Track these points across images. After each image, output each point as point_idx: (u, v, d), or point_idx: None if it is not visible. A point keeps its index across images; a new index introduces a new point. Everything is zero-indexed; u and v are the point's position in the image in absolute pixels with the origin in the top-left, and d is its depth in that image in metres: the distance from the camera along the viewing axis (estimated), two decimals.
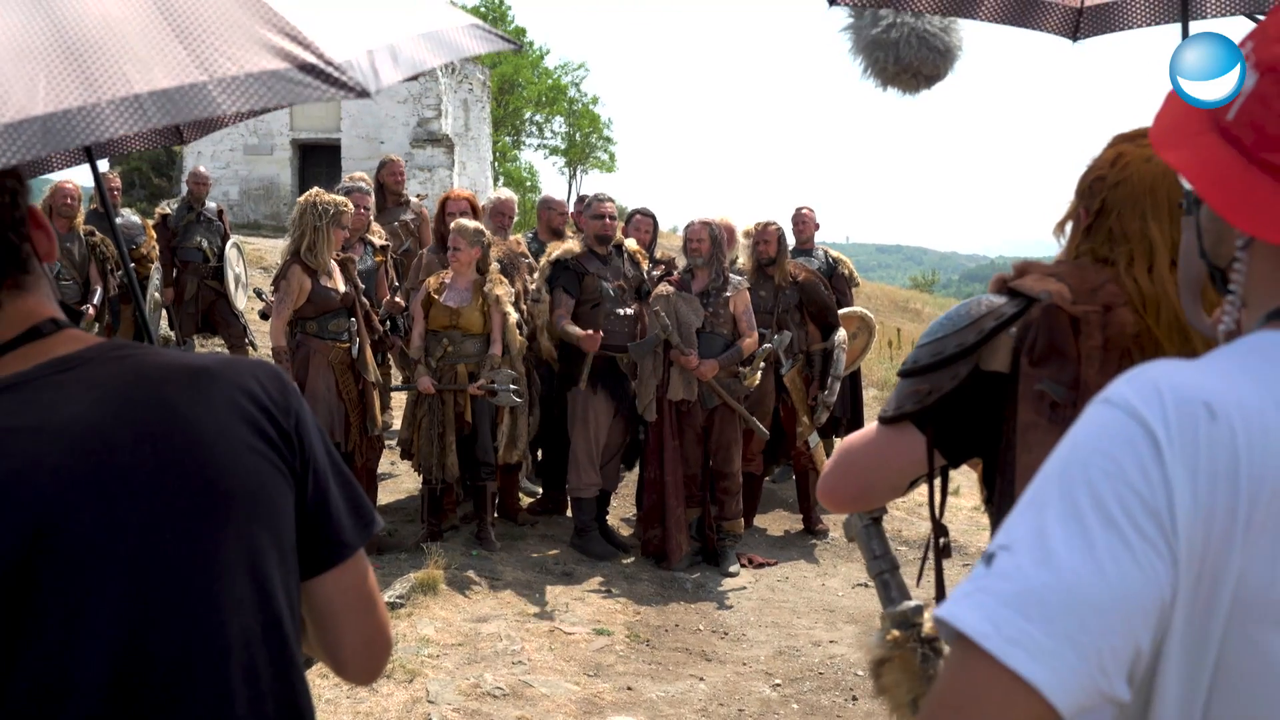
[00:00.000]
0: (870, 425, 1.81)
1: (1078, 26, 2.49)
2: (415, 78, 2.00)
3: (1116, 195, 1.67)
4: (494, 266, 5.99)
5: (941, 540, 1.83)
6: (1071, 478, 0.89)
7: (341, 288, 5.75)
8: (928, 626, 1.83)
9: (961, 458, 1.73)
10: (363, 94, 1.18)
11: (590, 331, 5.93)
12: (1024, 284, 1.66)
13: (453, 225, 5.95)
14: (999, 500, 1.67)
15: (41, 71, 1.08)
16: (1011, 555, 0.86)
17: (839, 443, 1.86)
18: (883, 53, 2.56)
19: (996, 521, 1.65)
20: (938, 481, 1.80)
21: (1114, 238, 1.67)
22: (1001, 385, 1.64)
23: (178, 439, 1.12)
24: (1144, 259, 1.63)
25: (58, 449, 1.06)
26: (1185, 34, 2.02)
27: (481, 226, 6.02)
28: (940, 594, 1.83)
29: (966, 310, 1.71)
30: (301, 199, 5.73)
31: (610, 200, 6.34)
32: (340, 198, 5.75)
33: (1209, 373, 0.92)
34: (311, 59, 1.17)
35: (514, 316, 5.96)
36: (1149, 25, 2.42)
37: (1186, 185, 1.08)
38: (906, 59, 2.59)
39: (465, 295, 5.89)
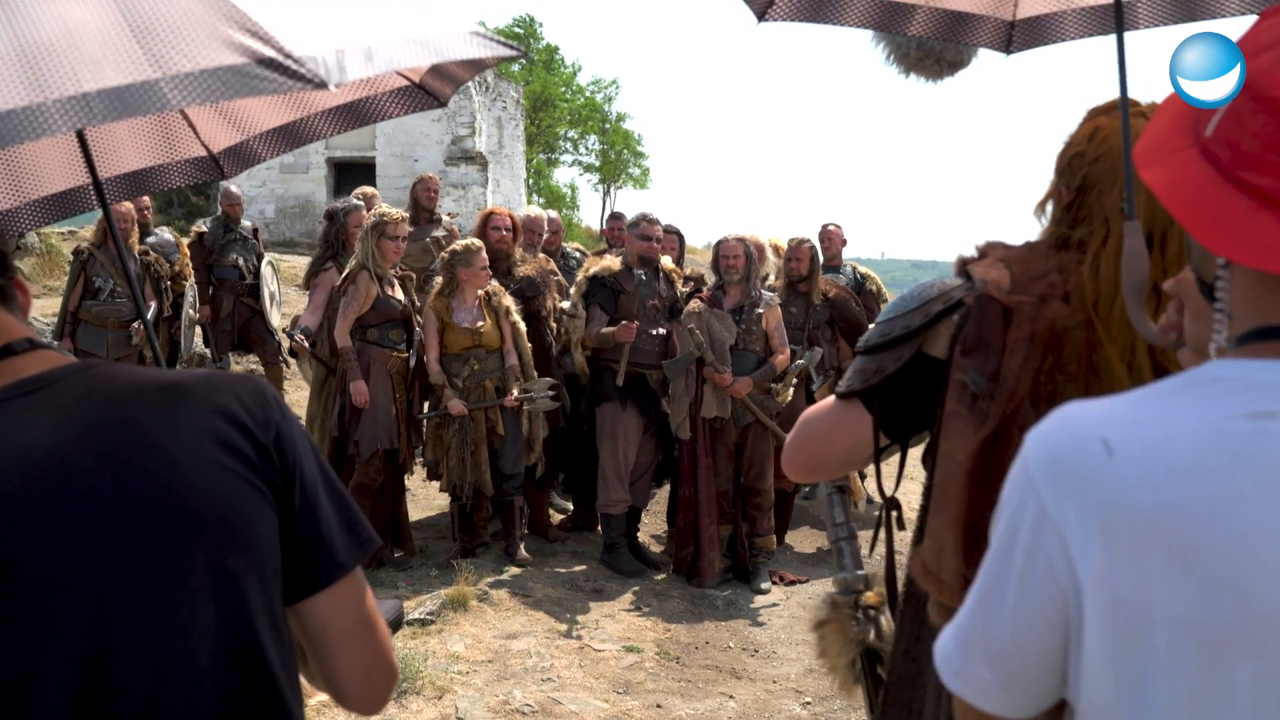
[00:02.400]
0: (829, 398, 1.83)
1: (1010, 40, 2.47)
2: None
3: (1096, 170, 1.64)
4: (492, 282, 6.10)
5: (894, 513, 1.86)
6: (995, 527, 1.01)
7: (403, 300, 5.94)
8: (869, 597, 1.89)
9: (907, 436, 1.76)
10: (320, 85, 1.16)
11: (624, 322, 5.96)
12: (975, 268, 1.66)
13: (471, 245, 5.99)
14: (927, 485, 1.69)
15: None
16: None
17: (804, 414, 1.88)
18: (906, 37, 2.55)
19: (926, 507, 1.66)
20: (894, 457, 1.83)
21: (1093, 215, 1.63)
22: (940, 370, 1.65)
23: (142, 461, 1.08)
24: (1117, 238, 1.59)
25: (15, 476, 1.03)
26: (1120, 46, 1.98)
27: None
28: (890, 566, 1.87)
29: (921, 291, 1.72)
30: (366, 220, 5.98)
31: (658, 222, 6.30)
32: (393, 210, 5.96)
33: (1127, 405, 0.95)
34: (270, 53, 1.16)
35: (523, 325, 6.07)
36: (1082, 37, 2.41)
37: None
38: (930, 44, 2.58)
39: (477, 313, 5.94)
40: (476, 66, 1.95)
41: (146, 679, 1.05)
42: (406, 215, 6.13)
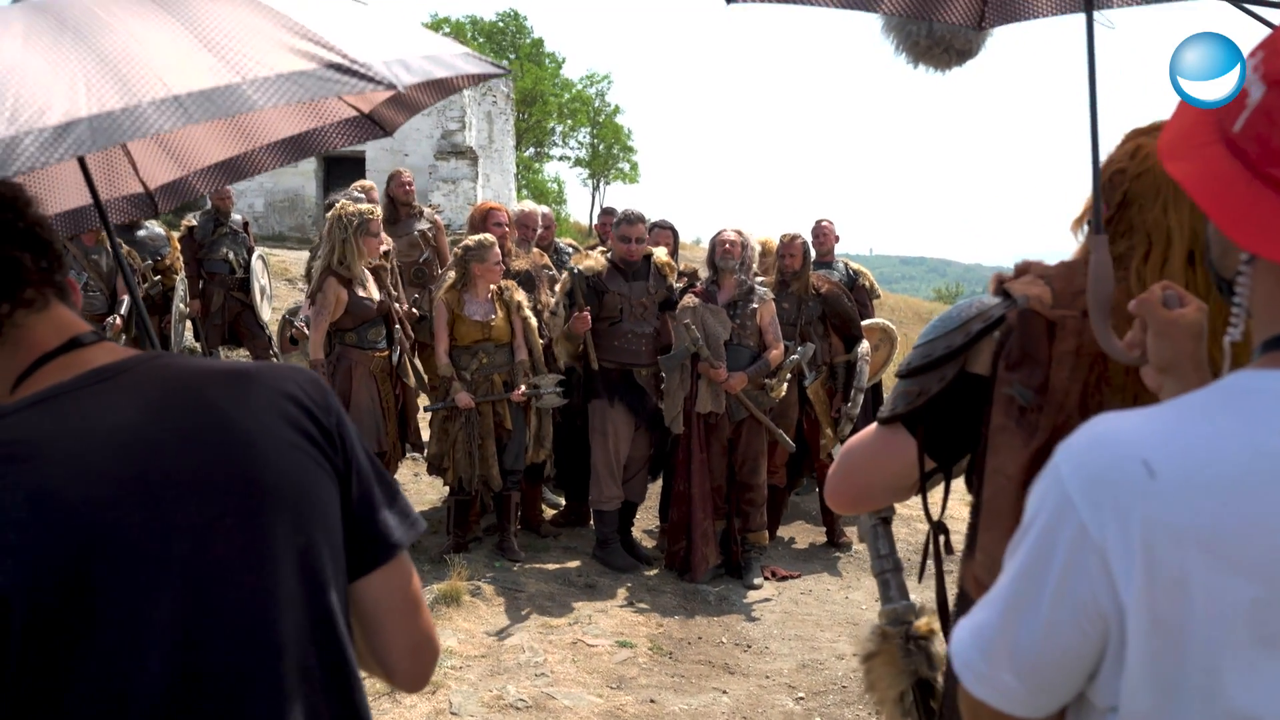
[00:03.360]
0: (871, 426, 1.82)
1: (982, 16, 2.45)
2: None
3: (1138, 187, 1.65)
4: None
5: (942, 538, 1.83)
6: (1024, 538, 1.02)
7: (376, 296, 5.81)
8: (919, 626, 1.86)
9: (952, 460, 1.73)
10: (390, 87, 1.25)
11: (577, 313, 5.94)
12: (1014, 286, 1.66)
13: (485, 240, 5.95)
14: (973, 503, 1.68)
15: (80, 81, 1.13)
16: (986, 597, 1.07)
17: (844, 444, 1.86)
18: (915, 25, 2.53)
19: (974, 525, 1.65)
20: (939, 482, 1.80)
21: (1133, 229, 1.64)
22: (983, 387, 1.64)
23: (221, 439, 1.15)
24: (1160, 251, 1.60)
25: (104, 455, 1.08)
26: (1090, 24, 1.94)
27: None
28: (941, 593, 1.84)
29: (959, 312, 1.72)
30: (330, 213, 5.79)
31: (640, 221, 6.24)
32: (365, 206, 5.78)
33: (1162, 422, 0.96)
34: (336, 59, 1.24)
35: (534, 321, 6.06)
36: (1054, 14, 2.38)
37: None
38: (940, 31, 2.56)
39: (489, 306, 5.93)
40: (442, 92, 1.99)
41: (234, 646, 1.11)
42: (376, 209, 5.95)
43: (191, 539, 1.10)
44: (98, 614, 1.04)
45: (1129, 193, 1.65)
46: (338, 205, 5.78)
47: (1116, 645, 0.96)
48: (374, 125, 2.07)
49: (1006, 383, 1.59)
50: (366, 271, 5.83)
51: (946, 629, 1.82)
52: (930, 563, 1.84)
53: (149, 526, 1.08)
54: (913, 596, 1.94)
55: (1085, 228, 1.72)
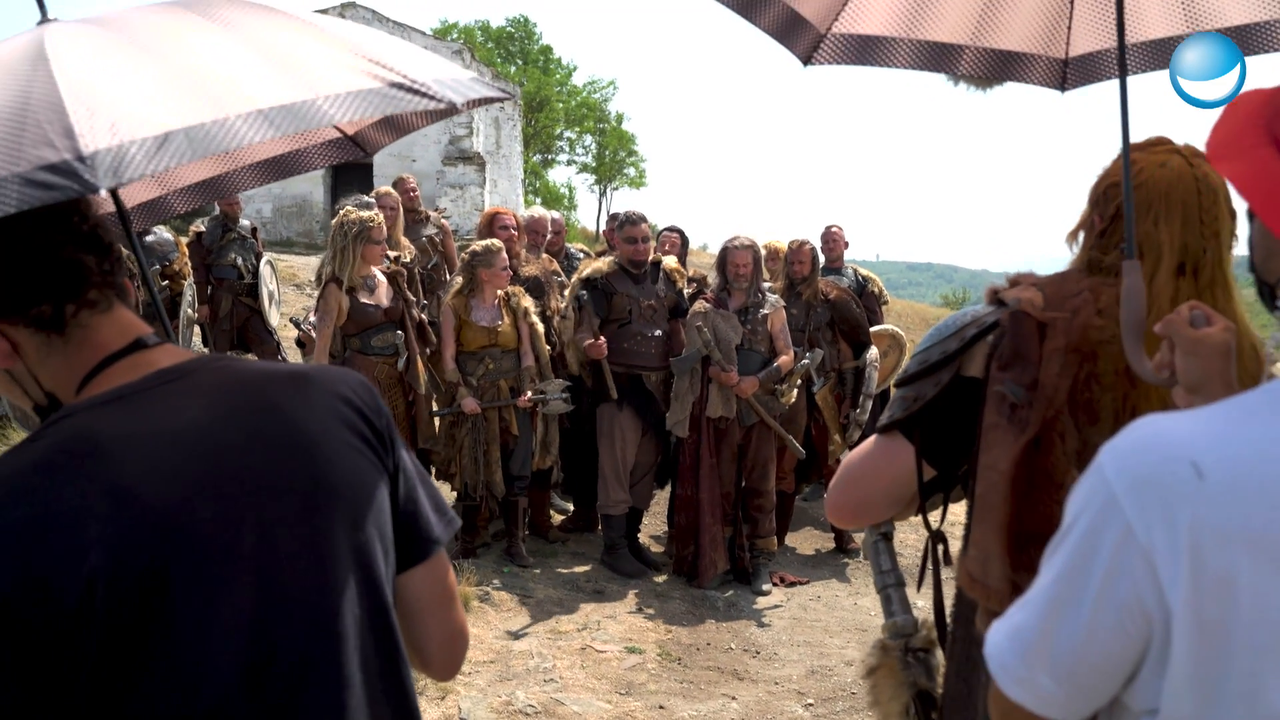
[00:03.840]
0: (870, 438, 1.85)
1: (1064, 78, 2.45)
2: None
3: (1131, 201, 1.67)
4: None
5: (940, 547, 1.86)
6: (1065, 539, 1.02)
7: (385, 302, 5.74)
8: (918, 639, 1.89)
9: (950, 465, 1.76)
10: (451, 106, 1.32)
11: (592, 340, 5.93)
12: (1007, 294, 1.71)
13: (492, 246, 5.94)
14: (968, 500, 1.71)
15: (166, 94, 1.16)
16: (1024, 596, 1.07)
17: (844, 458, 1.89)
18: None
19: (969, 522, 1.67)
20: (939, 504, 1.84)
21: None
22: (979, 391, 1.68)
23: (286, 439, 1.20)
24: (1150, 263, 1.64)
25: (176, 453, 1.13)
26: (1123, 80, 1.94)
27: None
28: (938, 601, 1.86)
29: (955, 320, 1.77)
30: (334, 220, 5.76)
31: (644, 221, 6.26)
32: (367, 214, 5.69)
33: (1210, 423, 0.96)
34: (397, 78, 1.30)
35: (540, 326, 6.05)
36: (1139, 73, 2.35)
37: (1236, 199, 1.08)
38: None
39: (495, 312, 5.93)
40: (431, 117, 2.03)
41: (302, 636, 1.16)
42: (379, 216, 5.86)
43: (260, 535, 1.15)
44: (174, 606, 1.08)
45: (1121, 206, 1.69)
46: (341, 212, 5.75)
47: (1160, 647, 0.96)
48: (355, 146, 2.13)
49: (999, 381, 1.63)
50: (381, 277, 5.79)
51: (943, 637, 1.85)
52: (928, 572, 1.86)
53: (220, 523, 1.12)
54: (916, 611, 1.96)
55: (1079, 239, 1.78)
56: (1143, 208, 1.66)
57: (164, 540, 1.08)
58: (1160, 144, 1.70)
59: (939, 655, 1.88)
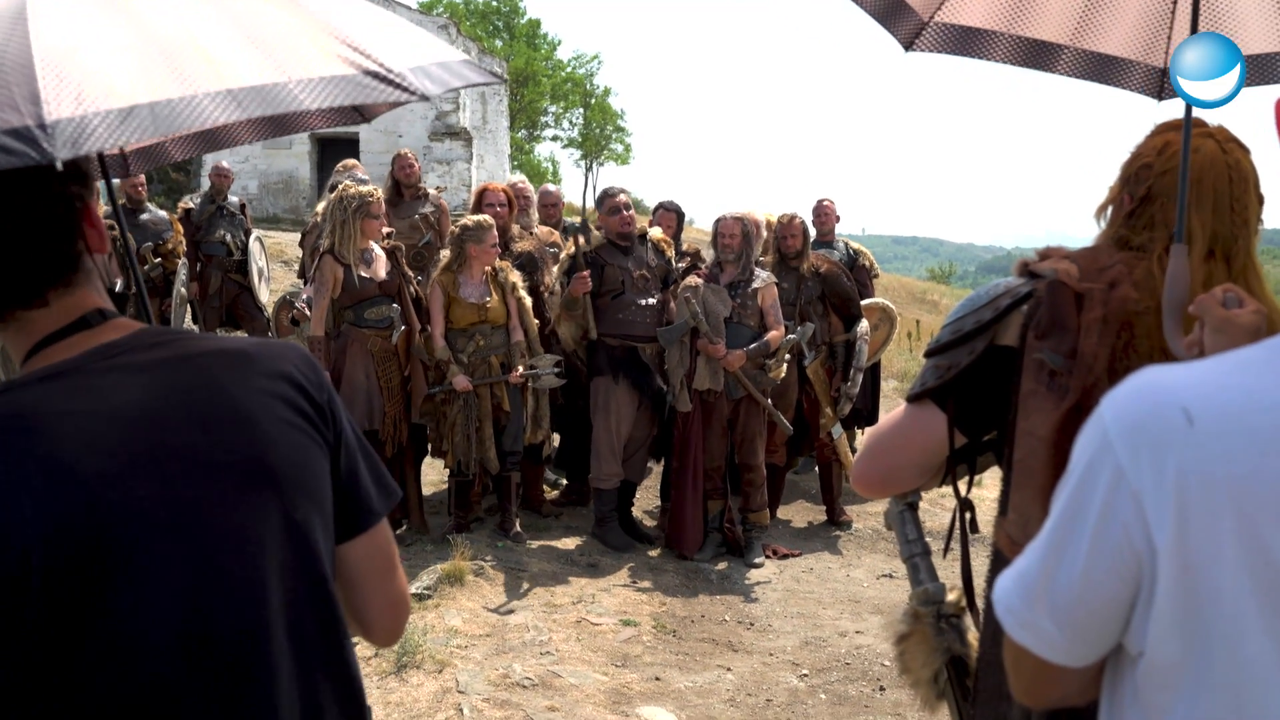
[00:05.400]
0: (899, 408, 1.86)
1: (1162, 87, 2.44)
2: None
3: (1163, 184, 1.71)
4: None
5: (968, 515, 1.87)
6: (1066, 483, 1.05)
7: (381, 276, 5.79)
8: (950, 604, 1.90)
9: (981, 433, 1.78)
10: (423, 98, 1.31)
11: (579, 274, 5.93)
12: (1040, 266, 1.73)
13: (483, 222, 5.93)
14: (1003, 467, 1.73)
15: (138, 66, 1.15)
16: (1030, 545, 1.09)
17: (870, 430, 1.91)
18: None
19: (1006, 488, 1.70)
20: (965, 472, 1.85)
21: (1154, 224, 1.71)
22: (1012, 359, 1.71)
23: (225, 417, 1.21)
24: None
25: (113, 429, 1.13)
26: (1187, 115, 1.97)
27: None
28: (966, 568, 1.87)
29: (988, 291, 1.79)
30: (333, 193, 5.78)
31: (623, 191, 6.29)
32: (368, 188, 5.75)
33: (1206, 373, 0.99)
34: (373, 66, 1.29)
35: (529, 300, 6.04)
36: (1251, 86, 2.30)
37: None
38: None
39: (484, 288, 5.92)
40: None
41: (238, 611, 1.19)
42: (378, 193, 5.93)
43: (198, 512, 1.16)
44: (111, 581, 1.09)
45: (1153, 188, 1.71)
46: (341, 186, 5.77)
47: (1148, 589, 0.98)
48: (354, 110, 2.12)
49: (1036, 349, 1.65)
50: (379, 251, 5.84)
51: (972, 605, 1.87)
52: (954, 540, 1.87)
53: (158, 500, 1.13)
54: (942, 579, 1.97)
55: (1108, 214, 1.80)
56: (1173, 192, 1.68)
57: (100, 515, 1.09)
58: (1194, 126, 1.71)
59: (969, 620, 1.89)
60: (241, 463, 1.20)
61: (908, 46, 2.36)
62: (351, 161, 7.43)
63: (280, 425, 1.24)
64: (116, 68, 1.13)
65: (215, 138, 2.31)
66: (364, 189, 5.73)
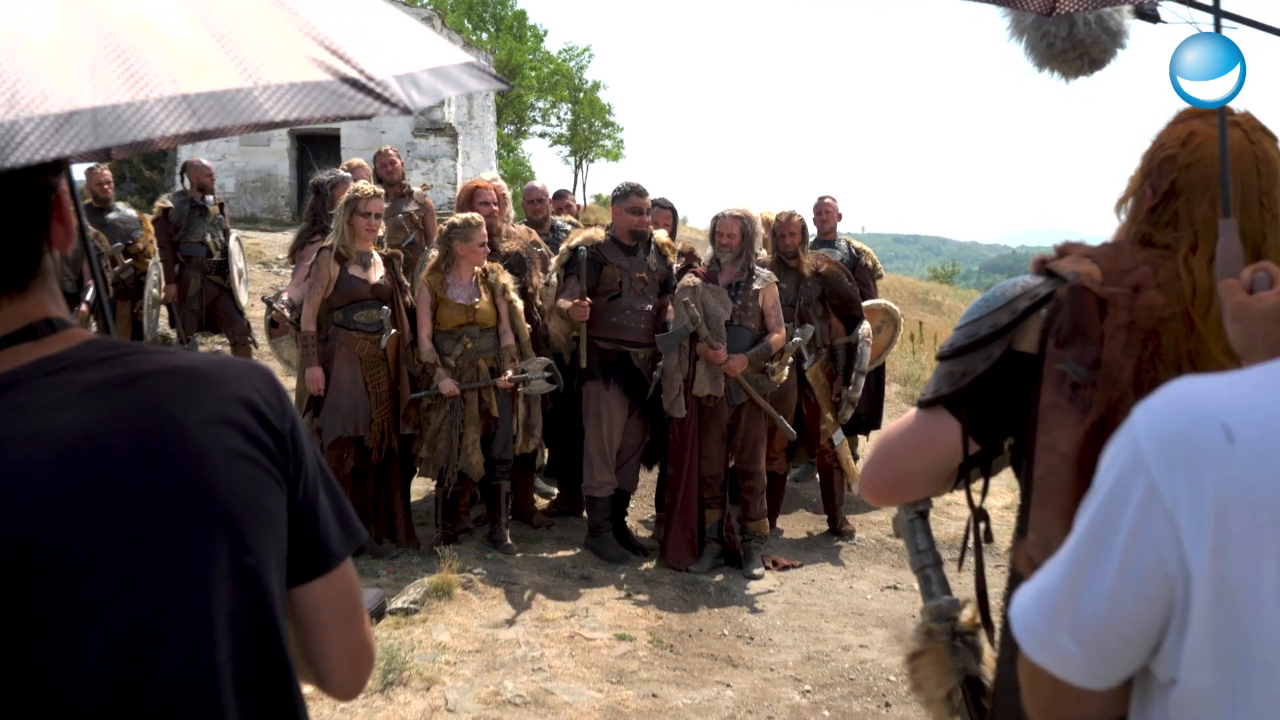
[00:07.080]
0: (909, 413, 1.78)
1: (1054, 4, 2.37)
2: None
3: (1187, 178, 1.64)
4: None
5: (982, 525, 1.80)
6: (1093, 499, 1.01)
7: (374, 279, 5.69)
8: (964, 621, 1.84)
9: (996, 441, 1.72)
10: (404, 111, 1.17)
11: (576, 301, 5.77)
12: (1060, 265, 1.66)
13: (471, 220, 5.77)
14: (1022, 482, 1.66)
15: (85, 64, 1.02)
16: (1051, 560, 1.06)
17: (876, 434, 1.78)
18: (1055, 26, 2.38)
19: (1025, 505, 1.63)
20: (979, 477, 1.78)
21: (1179, 221, 1.63)
22: (1030, 366, 1.64)
23: (173, 448, 1.11)
24: (1208, 247, 1.58)
25: (50, 457, 1.04)
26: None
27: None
28: (980, 583, 1.81)
29: (1003, 291, 1.72)
30: (344, 197, 5.79)
31: (647, 194, 6.10)
32: (370, 189, 5.73)
33: (1244, 387, 0.95)
34: (352, 73, 1.15)
35: (520, 303, 5.90)
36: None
37: None
38: (1080, 35, 2.43)
39: (473, 289, 5.76)
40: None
41: (179, 660, 1.09)
42: (381, 191, 5.88)
43: (138, 551, 1.07)
44: (39, 620, 1.01)
45: (1177, 182, 1.64)
46: (351, 187, 5.76)
47: (1180, 613, 0.95)
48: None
49: (1058, 359, 1.58)
50: (377, 257, 5.77)
51: (986, 619, 1.81)
52: (967, 553, 1.81)
53: (94, 535, 1.05)
54: (954, 591, 1.90)
55: (1128, 207, 1.72)
56: (1199, 187, 1.61)
57: (28, 555, 1.00)
58: (1218, 113, 1.62)
59: (984, 638, 1.82)
60: (188, 499, 1.11)
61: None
62: (357, 161, 7.27)
63: (233, 459, 1.14)
64: (62, 65, 1.00)
65: (204, 129, 2.18)
66: (368, 189, 5.71)
